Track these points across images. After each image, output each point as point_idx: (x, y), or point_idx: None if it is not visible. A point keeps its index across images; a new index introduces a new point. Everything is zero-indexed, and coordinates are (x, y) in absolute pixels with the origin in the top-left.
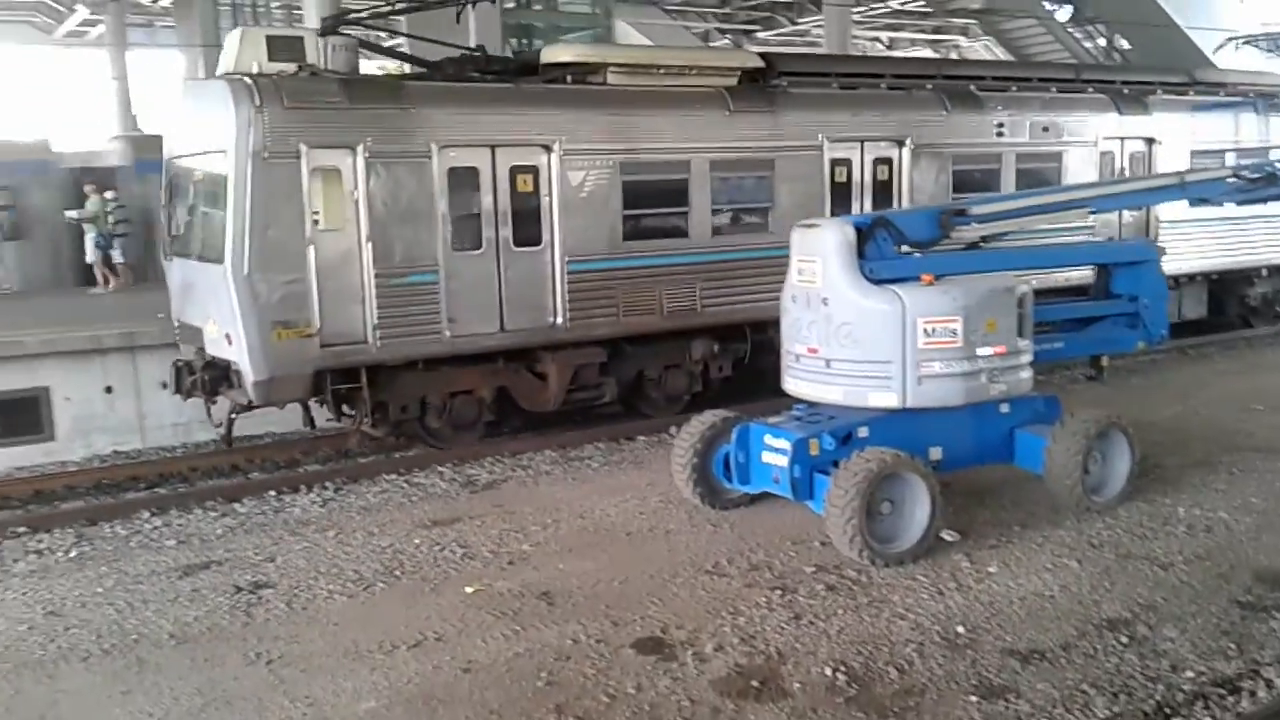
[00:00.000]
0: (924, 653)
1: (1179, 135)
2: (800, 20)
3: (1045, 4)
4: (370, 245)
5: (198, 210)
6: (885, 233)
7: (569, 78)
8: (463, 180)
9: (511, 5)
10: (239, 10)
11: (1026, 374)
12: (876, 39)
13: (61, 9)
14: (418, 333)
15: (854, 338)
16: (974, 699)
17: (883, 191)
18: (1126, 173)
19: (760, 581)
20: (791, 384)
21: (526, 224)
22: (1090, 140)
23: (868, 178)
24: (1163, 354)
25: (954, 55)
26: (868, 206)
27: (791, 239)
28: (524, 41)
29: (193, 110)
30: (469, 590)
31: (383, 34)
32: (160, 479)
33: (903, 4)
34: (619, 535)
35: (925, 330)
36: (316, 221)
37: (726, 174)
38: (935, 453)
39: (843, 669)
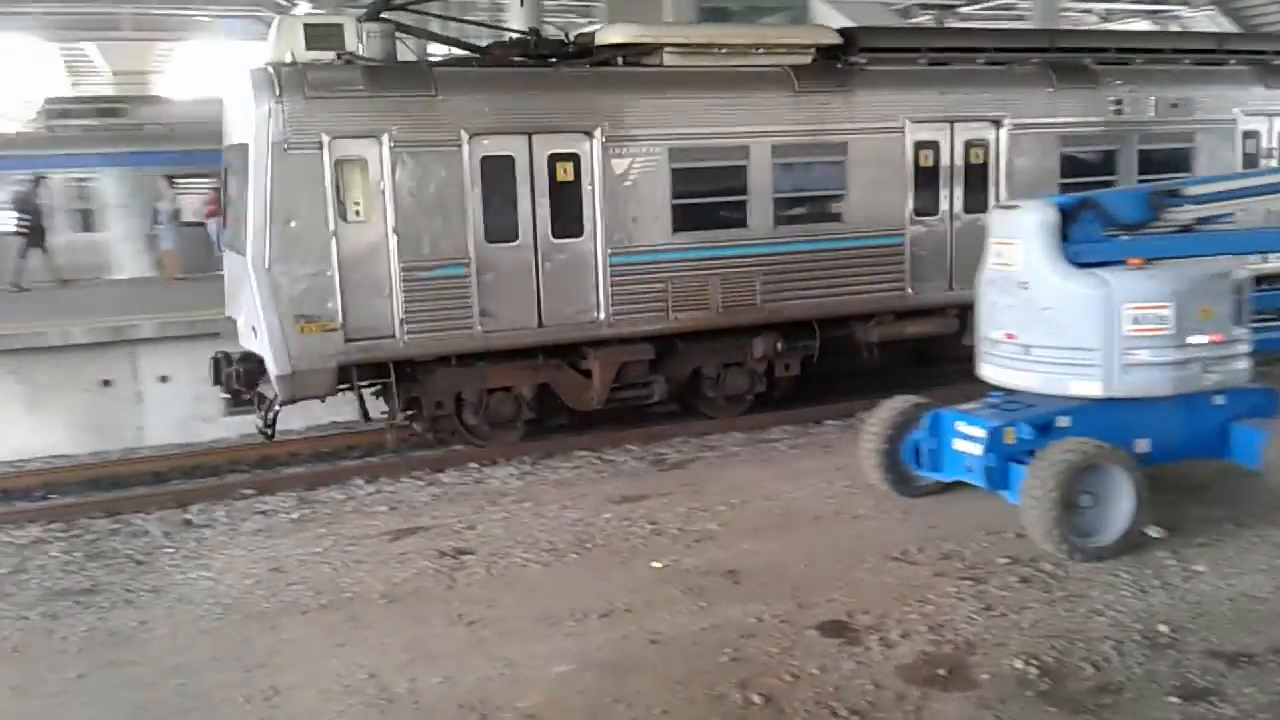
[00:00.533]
0: (1123, 650)
1: None
2: None
3: None
4: (397, 237)
5: (233, 202)
6: (1091, 214)
7: (621, 60)
8: (497, 169)
9: None
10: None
11: (1244, 364)
12: (1089, 11)
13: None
14: (448, 327)
15: (1055, 323)
16: (1175, 700)
17: (976, 177)
18: (1276, 154)
19: (950, 571)
20: (987, 370)
21: (566, 214)
22: (1229, 118)
23: (958, 161)
24: None
25: (1174, 28)
26: (959, 194)
27: (990, 220)
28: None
29: (233, 101)
30: (656, 565)
31: (443, 19)
32: (372, 449)
33: None
34: (805, 518)
35: (1133, 316)
36: (341, 212)
37: (792, 159)
38: (1142, 445)
39: (1035, 662)
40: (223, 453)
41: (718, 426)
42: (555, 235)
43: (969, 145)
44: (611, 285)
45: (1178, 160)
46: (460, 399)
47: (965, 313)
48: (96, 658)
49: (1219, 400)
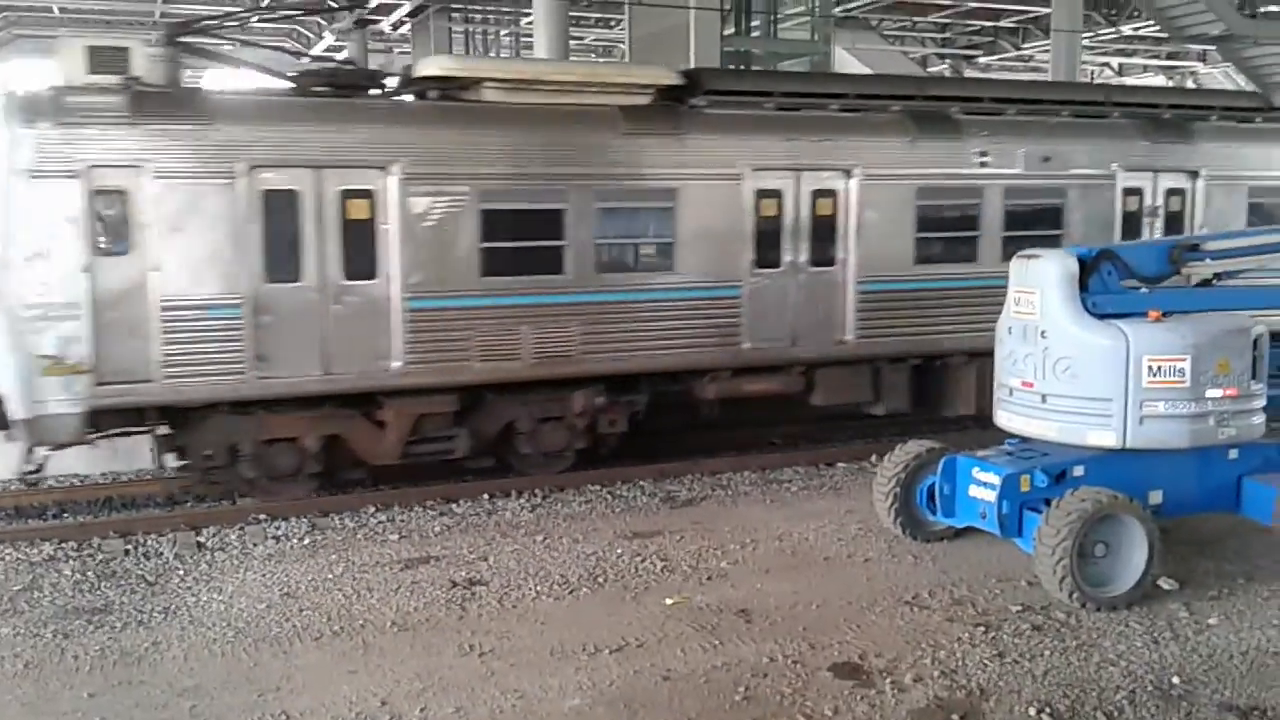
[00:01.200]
0: (1135, 701)
1: (1232, 169)
2: (1025, 45)
3: None
4: (159, 273)
5: None
6: (1110, 266)
7: (437, 93)
8: (279, 204)
9: (731, 32)
10: (470, 37)
11: (1259, 419)
12: (1106, 64)
13: (311, 35)
14: (216, 372)
15: (1073, 373)
16: None
17: (825, 228)
18: (1161, 213)
19: (962, 616)
20: (1004, 418)
21: (358, 255)
22: (1107, 174)
23: (805, 212)
24: None
25: (1190, 84)
26: (804, 245)
27: (1010, 269)
28: (742, 68)
29: None
30: (669, 602)
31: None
32: (383, 477)
33: (1136, 30)
34: (817, 560)
35: (1150, 368)
36: (97, 247)
37: (616, 204)
38: (1155, 496)
39: (1048, 710)
40: None
41: (729, 465)
42: (346, 277)
43: (817, 195)
44: (408, 331)
45: (1048, 217)
46: (235, 449)
47: (812, 371)
48: (109, 677)
49: (1233, 455)
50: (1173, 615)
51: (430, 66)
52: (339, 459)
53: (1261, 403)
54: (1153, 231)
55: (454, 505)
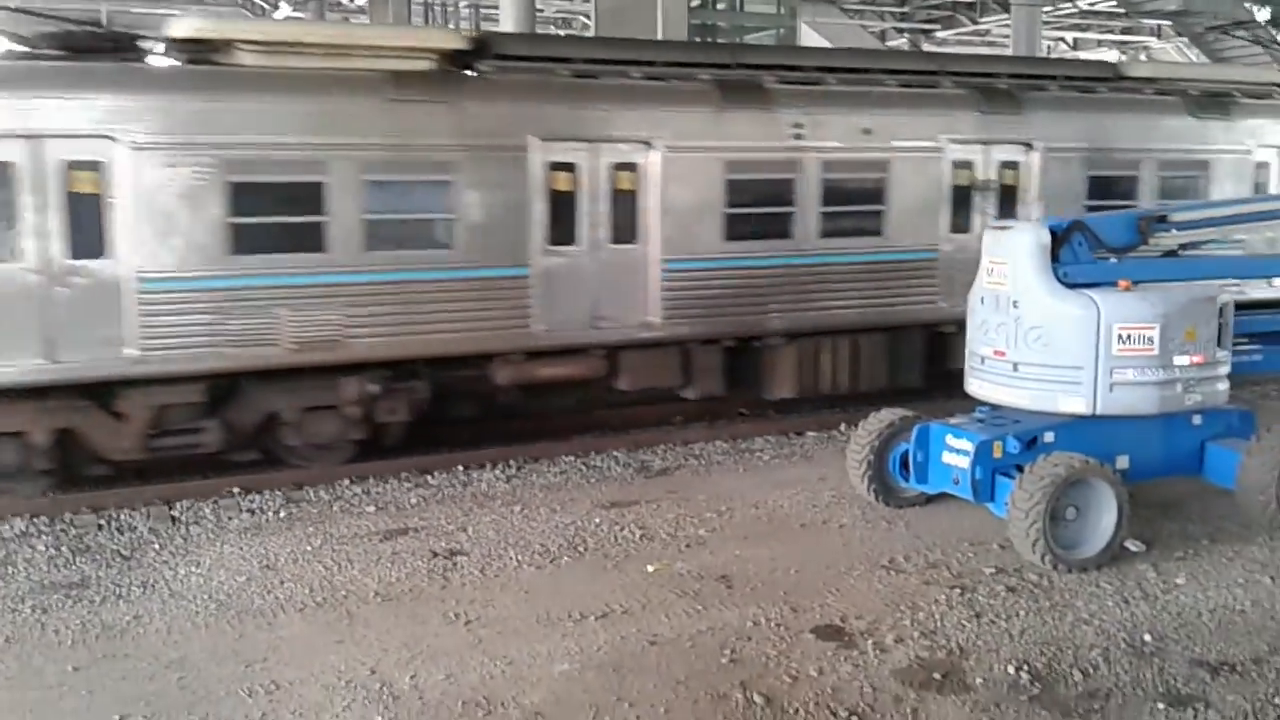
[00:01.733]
0: (1109, 658)
1: (1069, 141)
2: (982, 20)
3: (1246, 5)
4: None
5: None
6: (1081, 237)
7: (184, 56)
8: None
9: (697, 4)
10: (430, 9)
11: (1223, 386)
12: (1061, 39)
13: (266, 5)
14: None
15: (1044, 341)
16: (1161, 706)
17: (625, 203)
18: (994, 187)
19: (938, 579)
20: (975, 386)
21: (84, 230)
22: (934, 146)
23: (603, 187)
24: None
25: (1142, 58)
26: (603, 223)
27: (984, 240)
28: (708, 41)
29: None
30: (650, 569)
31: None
32: (358, 449)
33: (1091, 4)
34: (792, 526)
35: (1120, 336)
36: None
37: (384, 177)
38: (1122, 461)
39: (1025, 668)
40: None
41: (701, 435)
42: (71, 255)
43: (616, 168)
44: (143, 315)
45: (868, 192)
46: None
47: (616, 354)
48: (92, 651)
49: (1197, 420)
50: (1141, 576)
51: (180, 28)
52: (76, 454)
53: (1226, 369)
54: (985, 205)
55: (429, 476)
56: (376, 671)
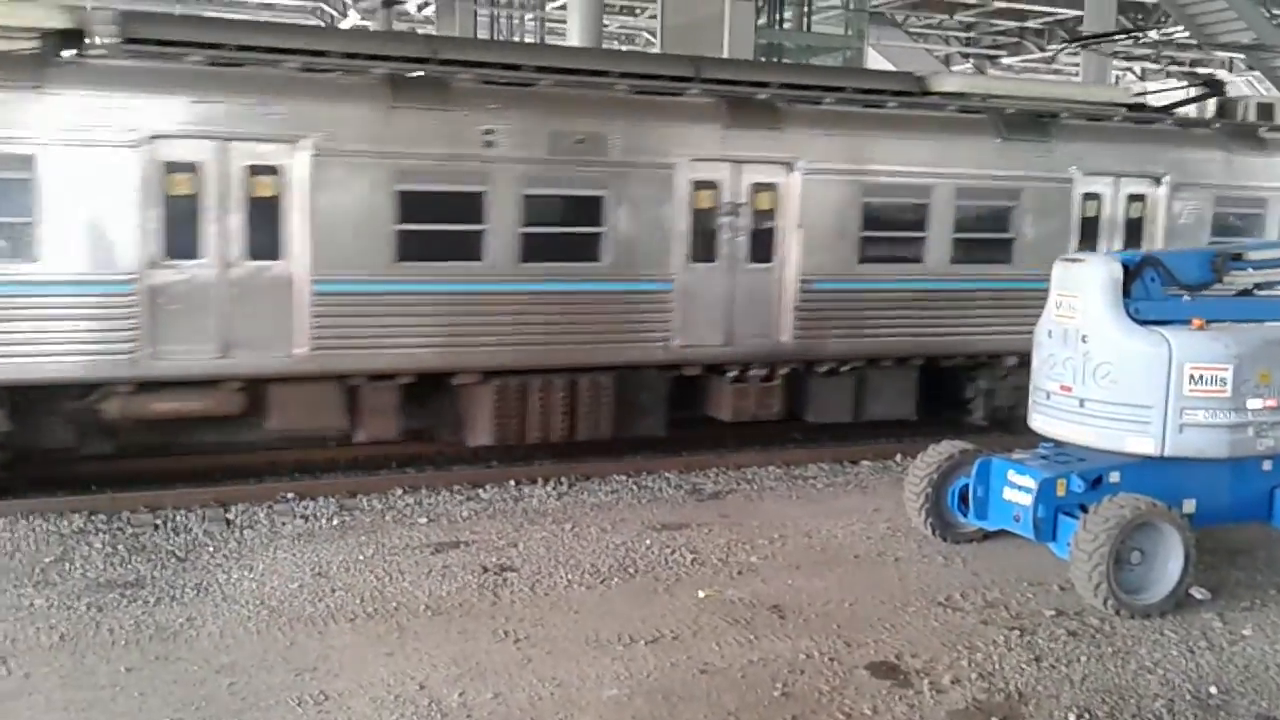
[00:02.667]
0: (1173, 709)
1: (839, 163)
2: (1049, 47)
3: None
4: None
5: None
6: (1154, 272)
7: None
8: None
9: (763, 23)
10: (495, 21)
11: None
12: (1129, 69)
13: (335, 12)
14: None
15: (1113, 378)
16: None
17: (265, 213)
18: (743, 210)
19: (996, 620)
20: (1040, 421)
21: None
22: (666, 162)
23: (236, 192)
24: None
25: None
26: (237, 235)
27: (1053, 272)
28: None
29: None
30: (701, 595)
31: None
32: (410, 460)
33: (1164, 35)
34: (846, 557)
35: (1192, 376)
36: None
37: None
38: (1189, 505)
39: (1087, 716)
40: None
41: (754, 459)
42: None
43: (252, 171)
44: None
45: (584, 211)
46: None
47: (256, 388)
48: (145, 652)
49: (1267, 466)
50: (1206, 625)
51: None
52: None
53: None
54: (729, 233)
55: (480, 491)
56: (425, 687)
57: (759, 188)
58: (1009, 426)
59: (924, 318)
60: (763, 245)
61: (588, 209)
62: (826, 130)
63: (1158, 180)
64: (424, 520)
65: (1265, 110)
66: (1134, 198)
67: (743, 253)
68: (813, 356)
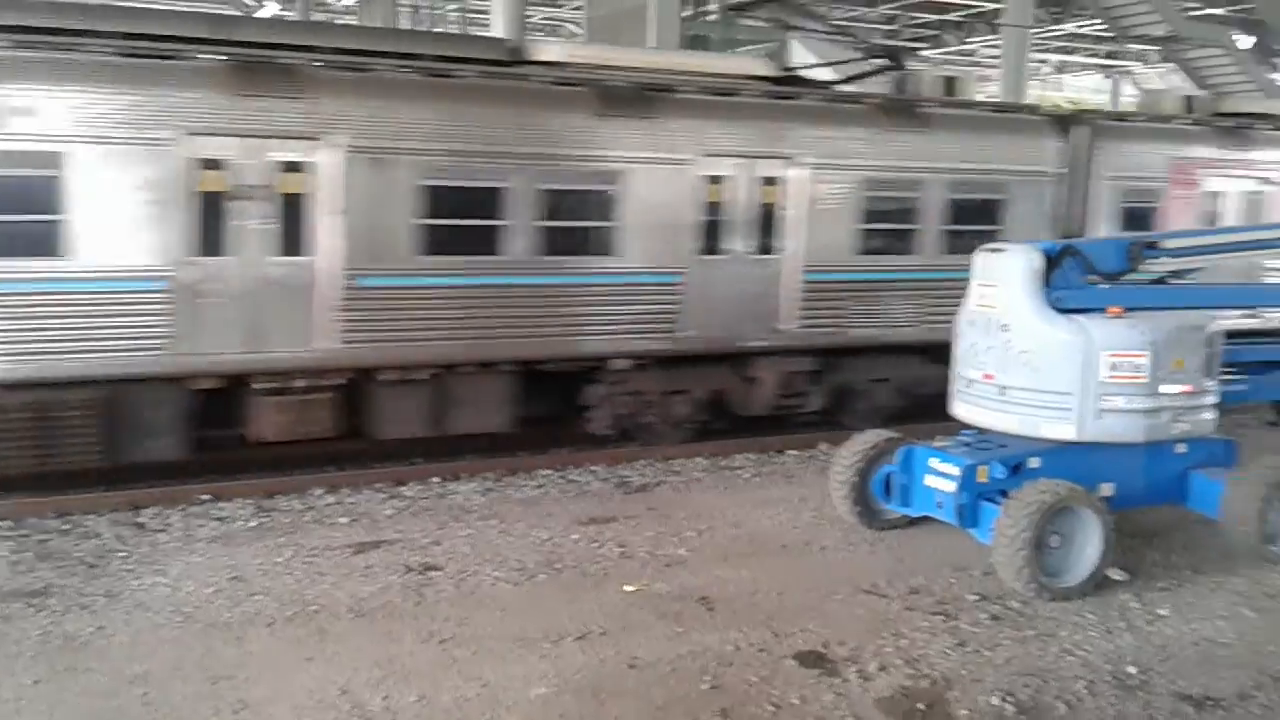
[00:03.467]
0: (1094, 690)
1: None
2: (969, 40)
3: (1233, 34)
4: None
5: None
6: (1073, 261)
7: None
8: None
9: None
10: (418, 11)
11: (1210, 415)
12: (1045, 61)
13: (252, 2)
14: None
15: (1034, 366)
16: None
17: None
18: (261, 196)
19: (921, 605)
20: (962, 409)
21: None
22: (163, 137)
23: None
24: None
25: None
26: None
27: (974, 262)
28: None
29: None
30: (629, 589)
31: None
32: (330, 459)
33: (1079, 27)
34: (773, 547)
35: (1110, 364)
36: None
37: None
38: (1106, 489)
39: (1010, 699)
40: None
41: (681, 451)
42: None
43: None
44: None
45: (29, 197)
46: None
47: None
48: (53, 663)
49: (1181, 449)
50: (1124, 606)
51: None
52: None
53: (1213, 399)
54: (245, 221)
55: (403, 488)
56: (348, 692)
57: (286, 167)
58: (633, 436)
59: (510, 318)
60: (292, 236)
61: (43, 191)
62: (375, 100)
63: (796, 161)
64: (345, 520)
65: (949, 85)
66: (769, 180)
67: (266, 244)
68: (368, 364)
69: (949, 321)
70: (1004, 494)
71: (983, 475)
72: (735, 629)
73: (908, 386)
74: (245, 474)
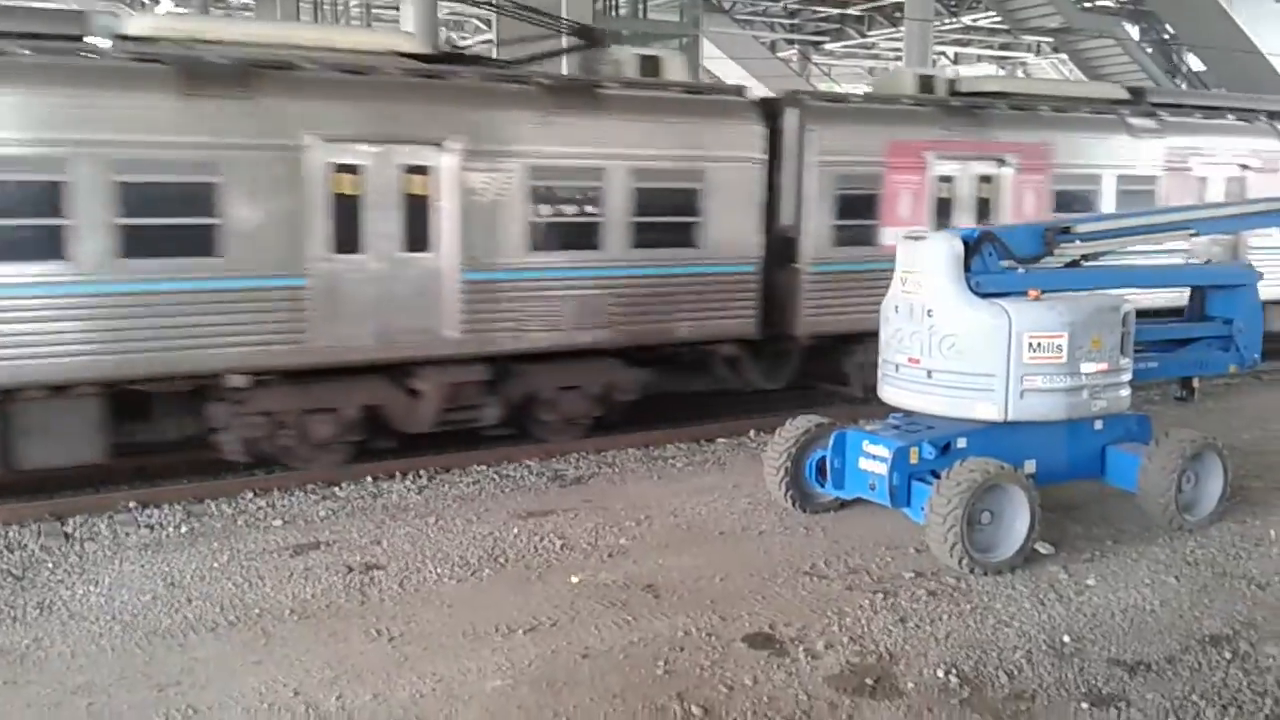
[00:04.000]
0: (1032, 660)
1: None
2: (870, 33)
3: (1124, 23)
4: None
5: None
6: (992, 247)
7: None
8: None
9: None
10: (319, 6)
11: (1126, 392)
12: (942, 53)
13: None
14: None
15: (958, 349)
16: (1085, 706)
17: None
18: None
19: (860, 585)
20: (890, 393)
21: None
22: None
23: None
24: (1236, 379)
25: (1019, 74)
26: None
27: (897, 250)
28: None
29: None
30: (574, 580)
31: None
32: (258, 462)
33: (975, 20)
34: (712, 534)
35: (1031, 345)
36: None
37: None
38: (1030, 466)
39: (954, 671)
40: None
41: (613, 443)
42: None
43: None
44: None
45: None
46: None
47: None
48: None
49: (1099, 426)
50: (1053, 578)
51: None
52: None
53: (1129, 376)
54: None
55: (336, 489)
56: (300, 693)
57: None
58: (275, 460)
59: (92, 331)
60: None
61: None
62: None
63: (447, 148)
64: (279, 522)
65: (648, 65)
66: (416, 169)
67: None
68: None
69: (645, 322)
70: (934, 474)
71: (913, 456)
72: (683, 615)
73: (603, 393)
74: (170, 479)
